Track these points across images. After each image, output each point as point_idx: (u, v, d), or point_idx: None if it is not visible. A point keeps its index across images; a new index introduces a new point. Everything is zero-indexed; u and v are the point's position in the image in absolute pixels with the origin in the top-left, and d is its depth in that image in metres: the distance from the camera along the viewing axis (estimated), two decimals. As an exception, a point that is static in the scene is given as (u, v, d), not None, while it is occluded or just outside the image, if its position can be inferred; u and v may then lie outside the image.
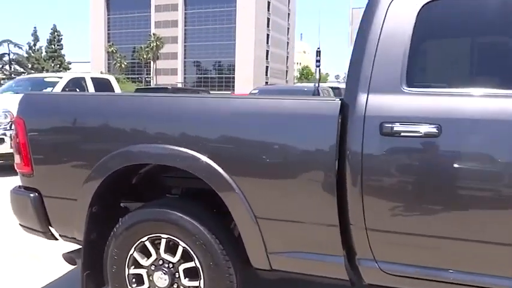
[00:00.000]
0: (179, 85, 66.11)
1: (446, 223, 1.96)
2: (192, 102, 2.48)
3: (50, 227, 2.73)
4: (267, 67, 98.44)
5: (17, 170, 2.78)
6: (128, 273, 2.48)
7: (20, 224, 2.87)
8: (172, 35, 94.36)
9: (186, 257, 2.39)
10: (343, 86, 13.81)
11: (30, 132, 2.63)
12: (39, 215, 2.68)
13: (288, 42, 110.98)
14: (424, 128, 1.97)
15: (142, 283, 2.48)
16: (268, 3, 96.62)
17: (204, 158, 2.25)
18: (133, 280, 2.49)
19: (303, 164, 2.15)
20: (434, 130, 1.95)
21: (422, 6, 2.08)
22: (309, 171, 2.14)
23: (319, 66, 22.96)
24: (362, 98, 2.09)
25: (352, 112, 2.09)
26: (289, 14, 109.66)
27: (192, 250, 2.35)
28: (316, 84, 13.17)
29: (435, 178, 1.97)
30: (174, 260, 2.41)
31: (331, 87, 13.65)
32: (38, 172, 2.64)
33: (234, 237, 2.47)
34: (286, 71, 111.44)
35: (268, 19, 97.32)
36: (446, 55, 2.23)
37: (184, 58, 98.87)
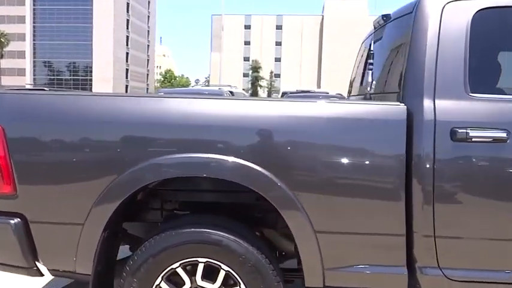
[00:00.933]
0: (27, 86, 59.37)
1: None
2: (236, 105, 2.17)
3: (36, 261, 2.16)
4: (127, 70, 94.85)
5: None
6: None
7: None
8: (19, 32, 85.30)
9: (228, 282, 2.09)
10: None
11: (13, 141, 2.05)
12: (23, 246, 2.10)
13: (148, 45, 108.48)
14: (494, 133, 2.00)
15: None
16: (128, 4, 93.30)
17: (259, 168, 2.00)
18: None
19: (369, 172, 2.03)
20: (504, 135, 2.00)
21: (476, 12, 2.13)
22: (376, 179, 2.03)
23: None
24: (429, 103, 2.06)
25: (421, 117, 2.04)
26: (149, 16, 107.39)
27: (237, 274, 2.06)
28: (223, 88, 12.95)
29: (505, 182, 2.02)
30: (214, 287, 2.08)
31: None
32: (22, 192, 2.06)
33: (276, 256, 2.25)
34: (147, 75, 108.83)
35: (128, 20, 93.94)
36: (503, 61, 2.31)
37: (34, 57, 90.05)
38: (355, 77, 3.33)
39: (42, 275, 2.22)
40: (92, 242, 2.07)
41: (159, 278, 2.08)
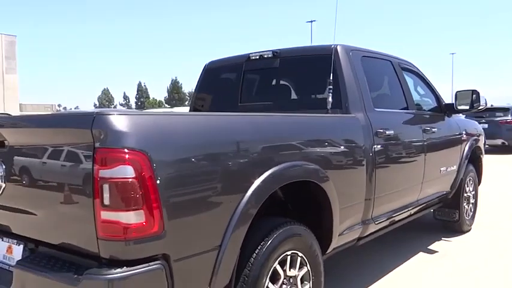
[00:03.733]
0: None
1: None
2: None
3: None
4: None
5: (111, 239, 1.74)
6: None
7: None
8: None
9: (300, 266, 2.57)
10: None
11: (161, 169, 1.81)
12: None
13: None
14: (390, 131, 3.42)
15: None
16: None
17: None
18: None
19: (349, 156, 3.04)
20: (392, 132, 3.45)
21: (363, 56, 3.49)
22: (352, 161, 3.07)
23: None
24: (364, 114, 3.24)
25: (364, 124, 3.20)
26: None
27: (306, 258, 2.58)
28: None
29: (400, 156, 3.53)
30: (296, 272, 2.53)
31: None
32: (171, 228, 1.84)
33: None
34: None
35: None
36: (382, 86, 3.70)
37: None
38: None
39: None
40: (229, 261, 2.09)
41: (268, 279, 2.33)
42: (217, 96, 4.10)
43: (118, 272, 1.73)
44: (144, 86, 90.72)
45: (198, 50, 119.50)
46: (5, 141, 2.14)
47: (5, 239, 2.26)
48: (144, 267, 1.77)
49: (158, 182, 1.77)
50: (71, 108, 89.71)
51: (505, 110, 15.10)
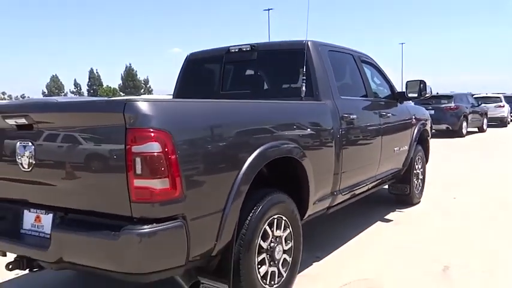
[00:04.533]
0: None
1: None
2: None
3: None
4: None
5: (142, 201, 2.16)
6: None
7: (140, 274, 2.20)
8: None
9: (284, 228, 3.07)
10: None
11: (179, 147, 2.23)
12: (187, 245, 2.30)
13: None
14: (351, 115, 3.97)
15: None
16: None
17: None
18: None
19: (321, 136, 3.56)
20: (355, 116, 4.00)
21: (329, 51, 4.00)
22: (323, 140, 3.59)
23: None
24: (332, 101, 3.77)
25: (332, 109, 3.72)
26: None
27: (289, 221, 3.09)
28: None
29: (362, 136, 4.07)
30: (281, 233, 3.02)
31: None
32: (188, 194, 2.27)
33: None
34: None
35: None
36: (346, 76, 4.21)
37: None
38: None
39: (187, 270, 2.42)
40: (231, 221, 2.55)
41: (259, 238, 2.81)
42: (199, 84, 4.50)
43: (149, 228, 2.15)
44: (97, 73, 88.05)
45: (152, 37, 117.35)
46: (34, 124, 2.48)
47: (32, 210, 2.61)
48: (168, 224, 2.20)
49: (178, 155, 2.20)
50: (16, 96, 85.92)
51: (449, 98, 16.29)
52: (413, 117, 5.49)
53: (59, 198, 2.49)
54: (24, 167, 2.53)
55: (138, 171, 2.13)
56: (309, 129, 3.37)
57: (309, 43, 3.80)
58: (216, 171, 2.48)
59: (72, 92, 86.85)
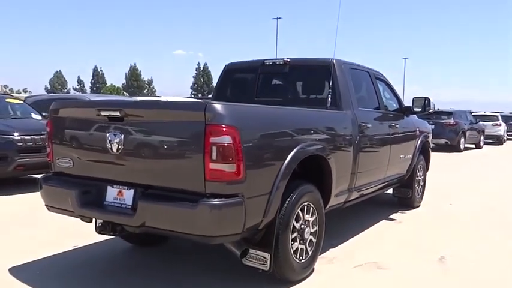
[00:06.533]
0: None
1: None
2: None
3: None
4: None
5: (214, 180, 2.80)
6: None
7: (209, 236, 2.85)
8: None
9: (312, 214, 3.72)
10: None
11: (243, 140, 2.88)
12: (245, 217, 2.95)
13: None
14: (368, 124, 4.64)
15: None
16: None
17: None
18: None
19: (342, 140, 4.23)
20: (370, 125, 4.66)
21: (350, 68, 4.68)
22: (344, 143, 4.25)
23: None
24: (352, 111, 4.43)
25: (352, 118, 4.40)
26: None
27: (315, 208, 3.73)
28: None
29: (376, 143, 4.71)
30: (309, 218, 3.67)
31: None
32: (247, 177, 2.90)
33: None
34: None
35: None
36: (362, 91, 4.88)
37: None
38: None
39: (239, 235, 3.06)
40: (276, 203, 3.20)
41: (293, 220, 3.46)
42: (235, 91, 5.17)
43: (219, 201, 2.80)
44: (101, 71, 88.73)
45: (160, 39, 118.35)
46: (125, 117, 3.12)
47: (115, 186, 3.26)
48: (233, 199, 2.85)
49: (243, 147, 2.86)
50: (18, 90, 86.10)
51: (449, 114, 17.06)
52: (418, 129, 6.17)
53: (142, 176, 3.13)
54: (113, 151, 3.17)
55: (214, 157, 2.78)
56: (334, 134, 4.03)
57: (334, 61, 4.48)
58: (267, 161, 3.14)
59: (75, 89, 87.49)
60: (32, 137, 6.95)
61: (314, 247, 3.73)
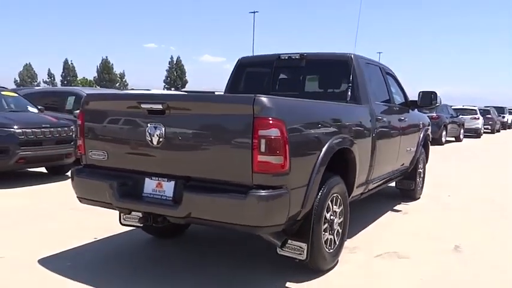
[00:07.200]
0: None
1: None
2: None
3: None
4: None
5: (261, 172, 2.86)
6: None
7: (257, 226, 2.91)
8: None
9: (340, 205, 3.82)
10: None
11: (289, 132, 2.94)
12: (289, 208, 3.03)
13: None
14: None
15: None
16: None
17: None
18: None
19: (362, 131, 4.34)
20: (386, 119, 4.79)
21: (366, 63, 4.79)
22: (365, 133, 4.36)
23: None
24: (370, 105, 4.55)
25: (370, 111, 4.51)
26: None
27: (341, 198, 3.84)
28: None
29: (390, 134, 4.84)
30: (337, 209, 3.77)
31: None
32: (291, 169, 2.97)
33: None
34: None
35: None
36: (377, 86, 5.00)
37: None
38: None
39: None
40: (314, 194, 3.28)
41: (325, 210, 3.55)
42: (249, 84, 5.21)
43: (268, 192, 2.86)
44: (72, 64, 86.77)
45: (131, 32, 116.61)
46: (166, 110, 3.13)
47: (153, 178, 3.28)
48: (279, 191, 2.91)
49: (288, 139, 2.92)
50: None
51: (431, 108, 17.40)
52: (421, 122, 6.35)
53: (182, 169, 3.16)
54: (152, 144, 3.18)
55: (262, 149, 2.83)
56: (357, 127, 4.14)
57: (352, 56, 4.57)
58: (306, 154, 3.21)
59: (46, 82, 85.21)
60: (33, 130, 6.84)
61: (340, 237, 3.83)
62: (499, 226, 5.32)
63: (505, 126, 31.29)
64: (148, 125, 3.20)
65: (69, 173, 7.97)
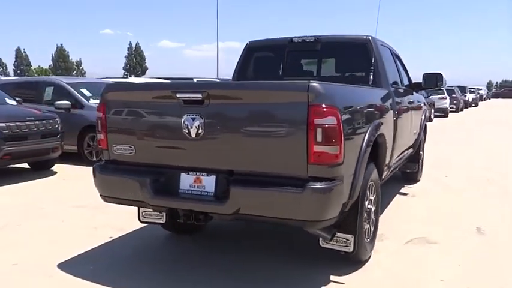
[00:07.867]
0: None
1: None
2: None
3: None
4: None
5: (317, 164, 2.69)
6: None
7: (314, 221, 2.75)
8: None
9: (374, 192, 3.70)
10: None
11: (343, 121, 2.77)
12: (343, 200, 2.88)
13: None
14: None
15: None
16: None
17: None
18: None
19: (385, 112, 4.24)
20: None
21: (380, 45, 4.66)
22: (387, 114, 4.26)
23: None
24: (389, 88, 4.43)
25: (390, 93, 4.40)
26: None
27: (376, 186, 3.73)
28: None
29: (406, 115, 4.76)
30: (372, 197, 3.65)
31: None
32: (345, 159, 2.80)
33: None
34: None
35: None
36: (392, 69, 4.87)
37: None
38: None
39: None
40: (359, 183, 3.13)
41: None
42: (259, 69, 4.99)
43: (325, 184, 2.69)
44: (24, 52, 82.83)
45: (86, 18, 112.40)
46: (206, 99, 2.88)
47: (190, 172, 3.04)
48: (334, 182, 2.75)
49: (343, 128, 2.75)
50: None
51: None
52: (424, 104, 6.32)
53: (225, 162, 2.93)
54: (190, 136, 2.94)
55: (319, 139, 2.65)
56: (385, 111, 4.01)
57: (370, 38, 4.43)
58: (354, 142, 3.05)
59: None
60: (17, 123, 6.37)
61: (374, 225, 3.73)
62: (505, 204, 5.38)
63: (467, 104, 32.24)
64: (185, 116, 2.95)
65: (54, 168, 7.73)
